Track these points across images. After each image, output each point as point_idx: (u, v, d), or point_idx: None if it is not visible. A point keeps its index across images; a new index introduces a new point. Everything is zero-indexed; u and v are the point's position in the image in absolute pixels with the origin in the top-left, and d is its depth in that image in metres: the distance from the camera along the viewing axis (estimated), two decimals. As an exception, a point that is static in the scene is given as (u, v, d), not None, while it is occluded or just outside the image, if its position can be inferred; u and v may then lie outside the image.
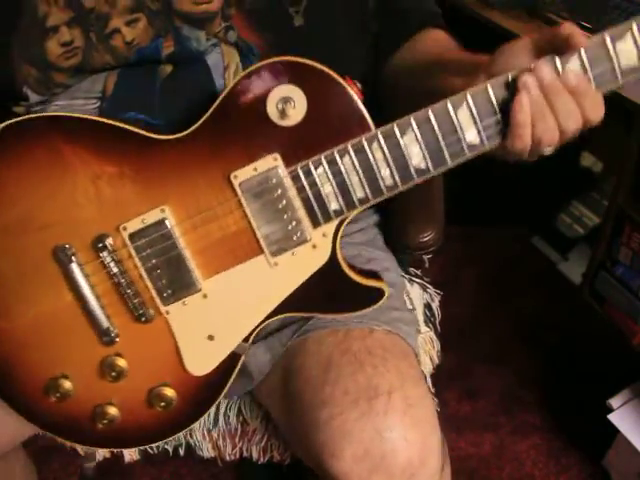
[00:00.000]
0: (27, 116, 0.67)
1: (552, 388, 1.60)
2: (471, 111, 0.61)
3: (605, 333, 1.48)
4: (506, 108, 0.60)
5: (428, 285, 0.97)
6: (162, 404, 0.72)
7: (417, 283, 0.95)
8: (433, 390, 0.88)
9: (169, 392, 0.71)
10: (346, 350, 0.73)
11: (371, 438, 0.69)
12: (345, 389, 0.72)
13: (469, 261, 1.87)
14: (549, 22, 1.42)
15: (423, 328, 0.92)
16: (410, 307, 0.90)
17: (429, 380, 0.89)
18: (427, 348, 0.90)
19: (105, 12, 0.70)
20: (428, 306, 0.95)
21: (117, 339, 0.70)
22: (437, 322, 0.95)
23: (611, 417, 1.31)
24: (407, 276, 0.95)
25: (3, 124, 0.65)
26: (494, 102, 0.61)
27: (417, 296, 0.94)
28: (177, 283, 0.68)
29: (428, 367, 0.91)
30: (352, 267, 0.71)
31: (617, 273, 1.37)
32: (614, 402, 1.33)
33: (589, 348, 1.67)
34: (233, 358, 0.71)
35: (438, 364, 0.93)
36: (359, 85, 0.65)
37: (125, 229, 0.66)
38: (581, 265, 1.63)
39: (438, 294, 0.97)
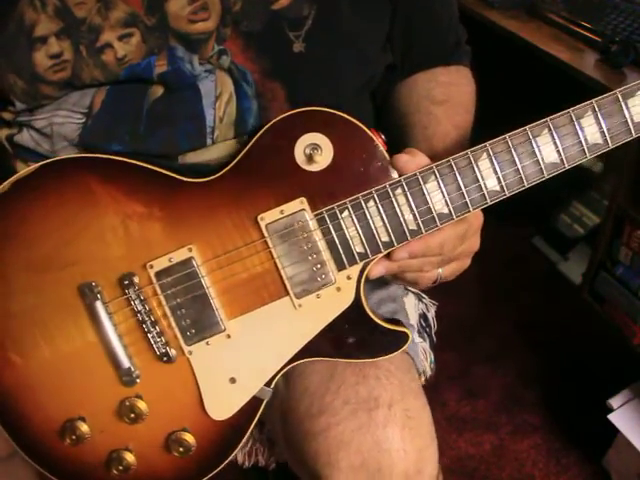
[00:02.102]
0: (64, 156, 0.68)
1: (552, 388, 1.60)
2: (491, 160, 0.65)
3: (605, 333, 1.48)
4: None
5: (423, 295, 0.97)
6: (180, 449, 0.70)
7: (412, 293, 0.95)
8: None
9: (188, 437, 0.70)
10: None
11: (369, 449, 0.69)
12: (346, 399, 0.72)
13: (469, 261, 1.87)
14: (549, 22, 1.42)
15: (416, 339, 0.90)
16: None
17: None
18: (420, 359, 0.88)
19: (97, 24, 0.67)
20: (423, 316, 0.94)
21: (138, 380, 0.69)
22: (433, 332, 0.94)
23: (611, 417, 1.31)
24: (402, 285, 0.94)
25: (40, 163, 0.67)
26: (513, 152, 0.65)
27: (412, 306, 0.93)
28: (201, 323, 0.68)
29: (421, 379, 0.89)
30: (375, 313, 0.70)
31: (617, 273, 1.37)
32: (614, 402, 1.33)
33: (589, 348, 1.67)
34: (255, 403, 0.70)
35: (431, 374, 0.92)
36: (383, 137, 0.67)
37: (152, 267, 0.67)
38: (581, 265, 1.63)
39: (434, 304, 0.97)
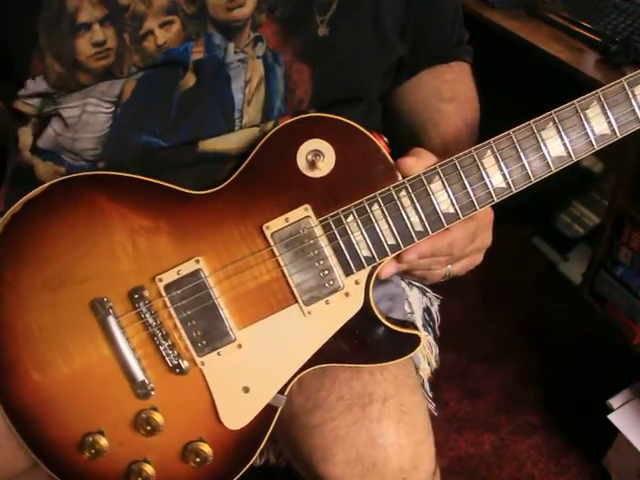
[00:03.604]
0: (72, 175, 0.68)
1: (552, 388, 1.60)
2: (496, 157, 0.64)
3: (605, 333, 1.48)
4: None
5: (427, 289, 0.97)
6: (197, 460, 0.71)
7: (416, 287, 0.95)
8: (431, 394, 0.88)
9: (205, 447, 0.70)
10: None
11: (364, 443, 0.70)
12: (340, 395, 0.72)
13: (469, 261, 1.86)
14: (549, 22, 1.42)
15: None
16: (409, 311, 0.90)
17: (427, 385, 0.89)
18: (425, 352, 0.90)
19: (140, 11, 0.67)
20: (427, 310, 0.95)
21: (152, 392, 0.70)
22: (436, 326, 0.95)
23: (611, 417, 1.31)
24: (406, 279, 0.95)
25: (49, 182, 0.67)
26: (518, 148, 0.64)
27: (416, 300, 0.94)
28: (211, 333, 0.68)
29: (426, 371, 0.91)
30: (385, 316, 0.70)
31: (617, 273, 1.37)
32: (614, 402, 1.33)
33: (589, 348, 1.67)
34: (269, 411, 0.70)
35: (436, 368, 0.93)
36: (386, 139, 0.67)
37: (161, 280, 0.67)
38: (581, 265, 1.63)
39: (438, 298, 0.97)
